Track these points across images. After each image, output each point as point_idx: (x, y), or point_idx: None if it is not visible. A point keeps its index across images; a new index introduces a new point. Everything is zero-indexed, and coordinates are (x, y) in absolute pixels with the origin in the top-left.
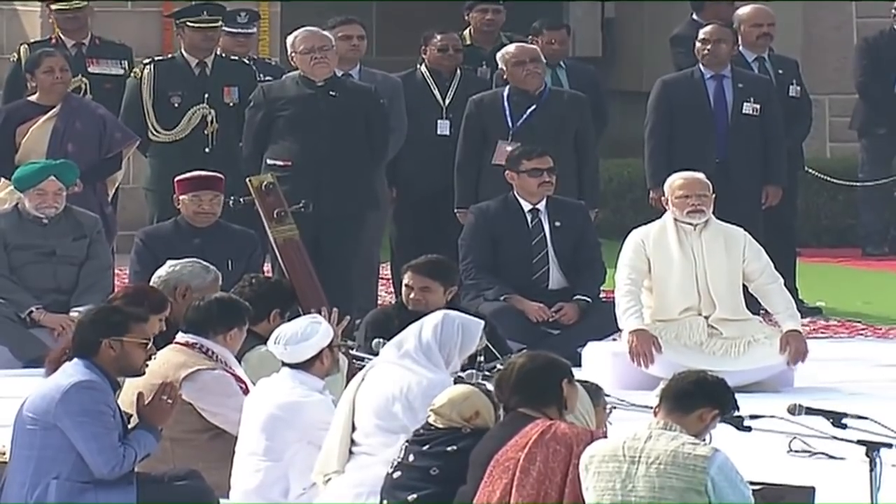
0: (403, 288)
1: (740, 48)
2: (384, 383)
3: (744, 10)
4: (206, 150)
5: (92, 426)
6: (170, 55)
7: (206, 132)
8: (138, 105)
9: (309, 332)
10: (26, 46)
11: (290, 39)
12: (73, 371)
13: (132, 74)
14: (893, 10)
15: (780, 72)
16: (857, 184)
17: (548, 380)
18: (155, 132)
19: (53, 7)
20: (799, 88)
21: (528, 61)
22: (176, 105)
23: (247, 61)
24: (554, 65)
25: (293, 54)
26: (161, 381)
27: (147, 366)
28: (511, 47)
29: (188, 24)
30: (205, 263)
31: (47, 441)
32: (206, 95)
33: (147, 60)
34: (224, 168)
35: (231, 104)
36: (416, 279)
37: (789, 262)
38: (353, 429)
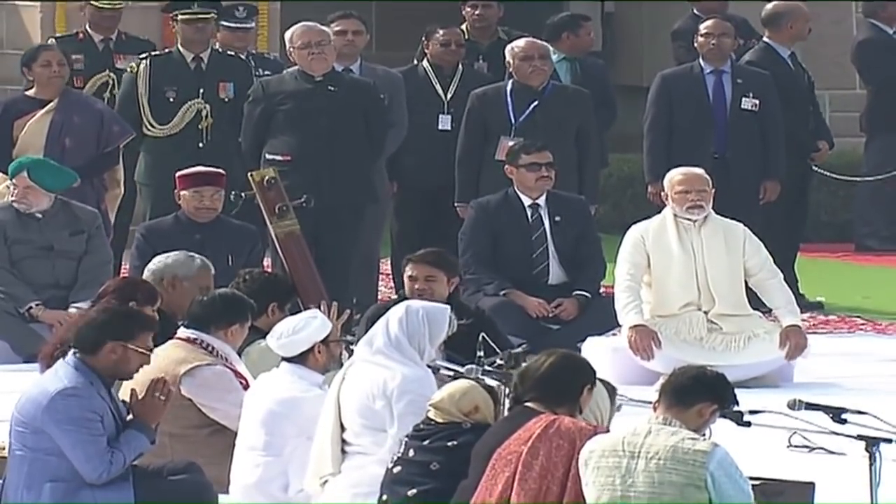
0: (406, 280)
1: (771, 43)
2: (362, 382)
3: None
4: (200, 144)
5: (77, 434)
6: (167, 50)
7: (200, 127)
8: (133, 99)
9: (302, 325)
10: (53, 40)
11: (287, 34)
12: (61, 374)
13: (128, 69)
14: None
15: None
16: (858, 179)
17: (572, 382)
18: (149, 126)
19: (94, 3)
20: None
21: (537, 57)
22: (171, 100)
23: (243, 56)
24: (573, 58)
25: (291, 49)
26: (161, 376)
27: (138, 371)
28: (521, 42)
29: (179, 16)
30: (190, 253)
31: (38, 444)
32: (202, 90)
33: (143, 55)
34: (217, 163)
35: (226, 99)
36: (421, 269)
37: (789, 257)
38: (343, 428)
